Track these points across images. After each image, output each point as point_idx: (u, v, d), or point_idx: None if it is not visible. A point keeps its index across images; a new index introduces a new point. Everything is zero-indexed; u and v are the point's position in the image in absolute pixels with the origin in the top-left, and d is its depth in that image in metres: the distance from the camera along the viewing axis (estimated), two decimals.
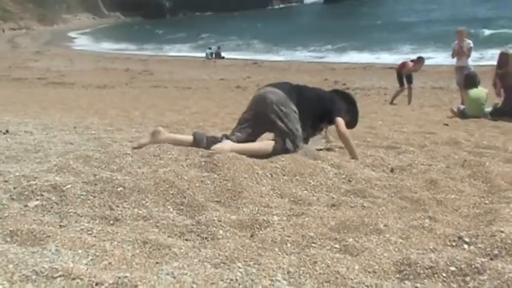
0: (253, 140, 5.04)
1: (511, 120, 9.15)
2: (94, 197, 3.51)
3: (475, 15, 47.64)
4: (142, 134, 6.26)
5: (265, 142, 4.96)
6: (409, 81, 14.84)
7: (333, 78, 21.98)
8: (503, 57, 10.41)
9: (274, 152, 4.78)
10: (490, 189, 4.24)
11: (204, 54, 37.52)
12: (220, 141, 4.91)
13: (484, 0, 65.64)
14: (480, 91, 10.23)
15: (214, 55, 36.86)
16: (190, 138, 5.06)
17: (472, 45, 13.46)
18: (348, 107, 5.39)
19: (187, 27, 73.05)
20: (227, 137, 5.01)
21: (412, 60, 15.08)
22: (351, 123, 5.44)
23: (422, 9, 68.16)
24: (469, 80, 10.64)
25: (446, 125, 8.40)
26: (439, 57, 27.81)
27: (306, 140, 5.19)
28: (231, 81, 22.72)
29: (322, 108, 5.20)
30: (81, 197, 3.52)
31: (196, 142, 4.98)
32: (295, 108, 5.01)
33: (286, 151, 4.81)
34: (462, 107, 10.54)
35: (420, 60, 15.01)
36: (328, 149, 5.43)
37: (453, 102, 13.64)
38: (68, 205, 3.39)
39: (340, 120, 5.16)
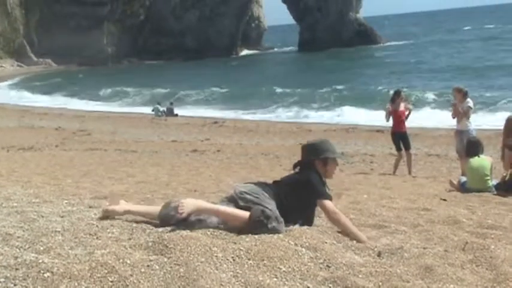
0: None
1: None
2: (15, 285, 3.48)
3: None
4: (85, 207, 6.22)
5: (240, 210, 5.15)
6: (407, 147, 15.20)
7: None
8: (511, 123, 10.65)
9: (252, 219, 4.98)
10: (496, 278, 4.31)
11: (152, 111, 37.69)
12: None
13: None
14: (483, 160, 10.44)
15: (165, 112, 37.07)
16: (157, 210, 5.33)
17: (470, 104, 13.83)
18: (319, 157, 5.70)
19: (133, 77, 73.44)
20: None
21: (392, 102, 15.42)
22: (330, 162, 5.74)
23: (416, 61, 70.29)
24: (470, 146, 10.87)
25: (444, 200, 8.53)
26: (434, 119, 28.54)
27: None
28: (186, 143, 22.80)
29: (302, 199, 5.47)
30: None
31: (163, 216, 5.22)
32: (270, 201, 5.27)
33: (267, 218, 5.01)
34: (463, 178, 10.73)
35: (397, 94, 15.44)
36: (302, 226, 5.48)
37: (452, 173, 13.89)
38: None
39: (326, 204, 5.43)
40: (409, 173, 14.75)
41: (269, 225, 4.98)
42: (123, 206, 5.50)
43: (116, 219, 5.38)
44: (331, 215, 5.39)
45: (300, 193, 5.46)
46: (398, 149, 15.28)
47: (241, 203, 5.21)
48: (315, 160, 5.69)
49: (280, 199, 5.37)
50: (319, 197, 5.46)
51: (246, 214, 5.07)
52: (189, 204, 4.95)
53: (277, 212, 5.19)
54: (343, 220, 5.38)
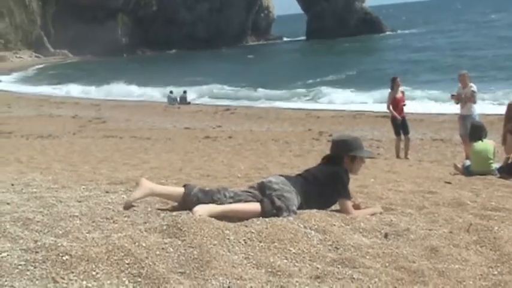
0: None
1: None
2: (35, 268, 3.49)
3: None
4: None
5: (251, 203, 5.15)
6: (406, 131, 15.19)
7: (317, 128, 22.21)
8: None
9: (264, 212, 5.00)
10: (500, 258, 4.30)
11: (166, 99, 37.67)
12: (213, 196, 5.18)
13: None
14: (487, 144, 10.42)
15: (178, 100, 37.03)
16: (181, 191, 5.30)
17: (474, 88, 13.82)
18: (348, 154, 5.73)
19: (147, 67, 73.51)
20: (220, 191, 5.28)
21: (392, 89, 15.39)
22: (358, 160, 5.80)
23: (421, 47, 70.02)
24: (474, 131, 10.85)
25: (449, 183, 8.51)
26: (438, 104, 28.45)
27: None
28: (198, 130, 22.81)
29: (326, 193, 5.54)
30: (19, 267, 3.49)
31: (186, 196, 5.21)
32: (294, 194, 5.30)
33: (278, 210, 5.03)
34: (467, 162, 10.71)
35: (394, 81, 15.40)
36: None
37: (457, 157, 13.86)
38: (3, 277, 3.37)
39: (346, 205, 5.51)
40: (406, 155, 14.78)
41: (280, 217, 4.99)
42: (143, 188, 5.28)
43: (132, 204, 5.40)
44: (347, 215, 5.39)
45: (325, 186, 5.51)
46: (397, 133, 15.30)
47: (267, 191, 5.24)
48: (344, 156, 5.72)
49: (307, 193, 5.41)
50: (342, 196, 5.54)
51: (256, 207, 5.07)
52: (200, 212, 4.82)
53: (293, 202, 5.21)
54: (357, 215, 5.41)
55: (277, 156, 14.17)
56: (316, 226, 4.77)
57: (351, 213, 5.43)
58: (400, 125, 15.23)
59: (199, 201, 5.08)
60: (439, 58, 56.23)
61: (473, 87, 13.89)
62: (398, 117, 15.11)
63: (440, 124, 22.73)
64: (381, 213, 5.61)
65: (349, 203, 5.56)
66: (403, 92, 15.68)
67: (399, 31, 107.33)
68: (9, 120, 26.93)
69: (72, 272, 3.47)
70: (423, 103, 29.70)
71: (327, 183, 5.53)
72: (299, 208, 5.25)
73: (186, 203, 5.17)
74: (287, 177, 5.55)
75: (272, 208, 5.04)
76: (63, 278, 3.40)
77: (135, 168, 10.64)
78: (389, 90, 15.52)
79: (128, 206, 5.20)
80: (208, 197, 5.16)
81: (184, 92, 38.47)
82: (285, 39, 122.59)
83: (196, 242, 4.08)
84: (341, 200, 5.54)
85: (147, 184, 5.34)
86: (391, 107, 15.23)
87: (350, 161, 5.73)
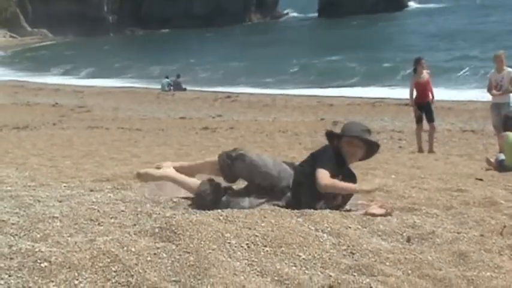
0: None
1: None
2: (9, 276, 3.50)
3: None
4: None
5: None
6: (430, 119, 15.03)
7: (331, 118, 22.19)
8: None
9: (220, 162, 5.71)
10: None
11: (159, 85, 37.64)
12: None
13: None
14: None
15: (172, 86, 36.99)
16: (196, 183, 5.67)
17: None
18: (342, 139, 5.76)
19: (138, 48, 73.55)
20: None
21: (415, 72, 15.19)
22: (345, 140, 5.75)
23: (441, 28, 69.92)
24: (508, 121, 10.82)
25: (480, 179, 8.49)
26: (470, 91, 28.39)
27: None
28: (196, 120, 22.82)
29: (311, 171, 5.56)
30: None
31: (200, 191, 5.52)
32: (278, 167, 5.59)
33: (233, 160, 5.71)
34: (501, 156, 10.68)
35: (417, 62, 15.20)
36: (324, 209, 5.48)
37: (489, 150, 13.82)
38: None
39: (318, 172, 5.43)
40: (430, 149, 14.59)
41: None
42: (161, 170, 5.94)
43: (120, 203, 5.40)
44: (319, 181, 5.34)
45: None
46: (418, 121, 15.07)
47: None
48: (334, 135, 5.83)
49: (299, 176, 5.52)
50: (317, 165, 5.48)
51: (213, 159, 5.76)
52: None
53: (268, 164, 5.54)
54: (331, 182, 5.40)
55: (285, 149, 14.15)
56: (329, 228, 4.77)
57: (322, 181, 5.35)
58: (423, 111, 15.01)
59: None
60: (468, 38, 56.06)
61: None
62: (413, 105, 15.00)
63: (471, 113, 22.69)
64: (376, 190, 5.68)
65: (324, 171, 5.41)
66: (429, 74, 15.36)
67: (425, 5, 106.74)
68: None
69: (52, 281, 3.48)
70: (451, 88, 29.64)
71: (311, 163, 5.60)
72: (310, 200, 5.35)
73: (199, 198, 5.47)
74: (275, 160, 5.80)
75: (227, 159, 5.60)
76: None
77: (123, 163, 10.65)
78: (413, 74, 15.35)
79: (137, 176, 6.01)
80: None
81: (178, 76, 38.34)
82: (294, 15, 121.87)
83: (193, 246, 4.08)
84: (316, 171, 5.46)
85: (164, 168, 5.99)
86: (414, 93, 15.04)
87: (337, 141, 5.79)
